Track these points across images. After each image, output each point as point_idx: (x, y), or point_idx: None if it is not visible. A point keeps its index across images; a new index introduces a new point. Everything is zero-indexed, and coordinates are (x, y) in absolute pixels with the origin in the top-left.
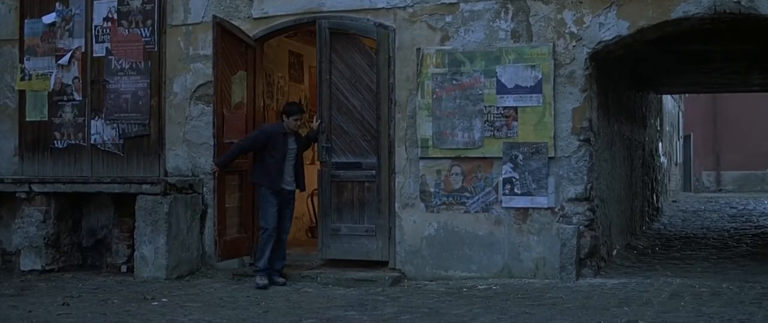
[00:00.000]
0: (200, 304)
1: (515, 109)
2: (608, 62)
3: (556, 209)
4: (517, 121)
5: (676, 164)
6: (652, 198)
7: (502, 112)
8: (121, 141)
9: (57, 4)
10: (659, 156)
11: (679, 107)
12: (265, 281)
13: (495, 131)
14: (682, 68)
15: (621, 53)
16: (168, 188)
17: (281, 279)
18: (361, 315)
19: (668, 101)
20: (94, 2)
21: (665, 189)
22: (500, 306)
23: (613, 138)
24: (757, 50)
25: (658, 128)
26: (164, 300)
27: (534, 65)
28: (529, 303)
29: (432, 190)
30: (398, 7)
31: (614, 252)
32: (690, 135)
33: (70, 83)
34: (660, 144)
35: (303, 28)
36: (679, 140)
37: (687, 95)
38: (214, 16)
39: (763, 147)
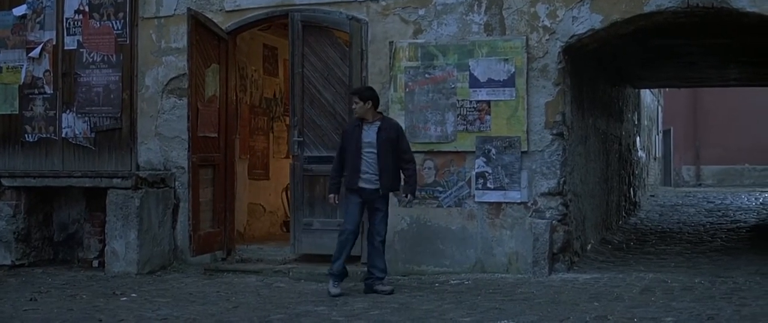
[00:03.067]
0: (169, 299)
1: (488, 103)
2: (582, 56)
3: (528, 204)
4: (489, 115)
5: (655, 159)
6: (629, 193)
7: (475, 106)
8: (93, 135)
9: None
10: (637, 151)
11: (658, 101)
12: (337, 289)
13: (468, 125)
14: (658, 62)
15: (595, 47)
16: (139, 182)
17: (386, 287)
18: (330, 310)
19: (647, 95)
20: None
21: (643, 184)
22: (471, 301)
23: (588, 132)
24: (733, 44)
25: (636, 123)
26: (133, 295)
27: (507, 59)
28: (500, 298)
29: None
30: (371, 0)
31: (589, 247)
32: (670, 130)
33: (41, 75)
34: (638, 139)
35: (276, 21)
36: (658, 134)
37: (667, 89)
38: (189, 9)
39: (743, 142)
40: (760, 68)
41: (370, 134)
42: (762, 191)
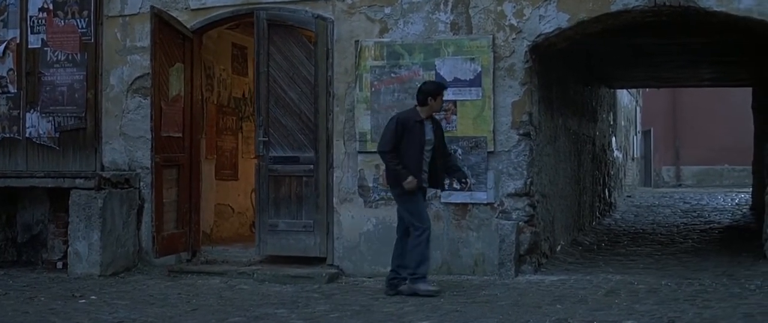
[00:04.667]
0: (128, 301)
1: (454, 102)
2: (552, 56)
3: (495, 205)
4: (456, 115)
5: (632, 159)
6: (604, 193)
7: (442, 105)
8: (57, 134)
9: None
10: (612, 151)
11: (636, 101)
12: (435, 286)
13: None
14: (631, 62)
15: (564, 46)
16: (102, 182)
17: (428, 287)
18: (290, 312)
19: (624, 95)
20: None
21: (620, 184)
22: (432, 304)
23: (557, 132)
24: (704, 44)
25: (612, 123)
26: (93, 297)
27: (473, 58)
28: (463, 300)
29: (370, 185)
30: None
31: (558, 248)
32: (650, 130)
33: (4, 74)
34: (613, 139)
35: (242, 19)
36: (637, 134)
37: (647, 89)
38: (152, 7)
39: (723, 142)
40: (732, 68)
41: (429, 133)
42: (739, 192)
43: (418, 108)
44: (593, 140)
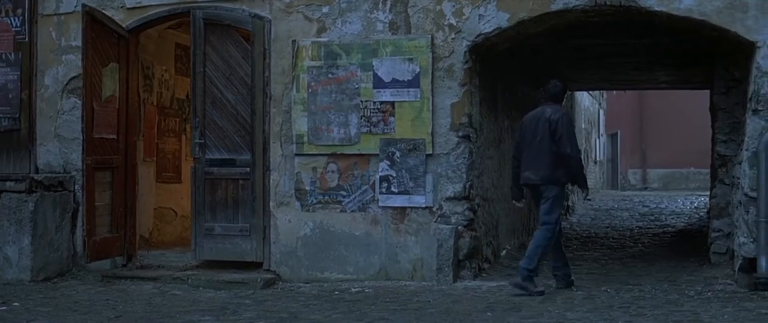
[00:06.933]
0: (51, 308)
1: (392, 104)
2: (496, 56)
3: (434, 209)
4: (394, 116)
5: (595, 162)
6: None
7: (379, 107)
8: None
9: None
10: None
11: (599, 104)
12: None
13: (372, 127)
14: (581, 64)
15: (508, 47)
16: (34, 185)
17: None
18: (216, 320)
19: (584, 97)
20: None
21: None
22: (362, 311)
23: (503, 135)
24: (654, 46)
25: None
26: (16, 304)
27: (412, 58)
28: (393, 307)
29: (307, 188)
30: None
31: (503, 253)
32: (617, 133)
33: None
34: None
35: (179, 18)
36: (600, 137)
37: (614, 92)
38: (84, 5)
39: (688, 145)
40: (686, 71)
41: None
42: (700, 195)
43: (557, 106)
44: None
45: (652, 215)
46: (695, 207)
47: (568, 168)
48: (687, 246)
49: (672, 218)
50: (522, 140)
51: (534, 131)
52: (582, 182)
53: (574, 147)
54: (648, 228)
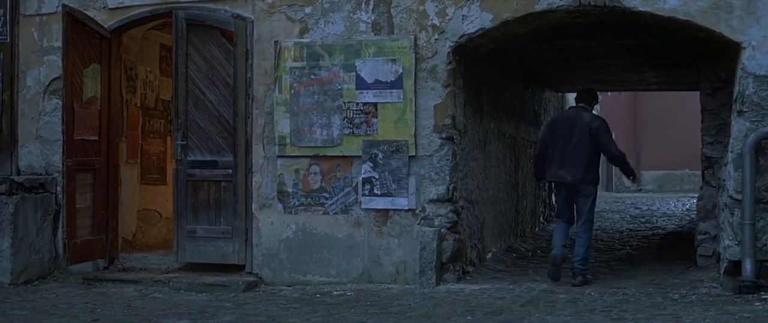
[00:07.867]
0: (28, 312)
1: (375, 105)
2: (481, 57)
3: (417, 211)
4: (377, 118)
5: None
6: (550, 198)
7: (362, 108)
8: None
9: None
10: None
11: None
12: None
13: (354, 129)
14: (569, 65)
15: (493, 47)
16: (14, 187)
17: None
18: None
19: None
20: None
21: None
22: (341, 314)
23: (488, 136)
24: (641, 46)
25: None
26: None
27: (395, 59)
28: (373, 310)
29: (290, 190)
30: None
31: (489, 255)
32: (611, 135)
33: None
34: None
35: (162, 19)
36: None
37: (609, 93)
38: (64, 5)
39: (683, 147)
40: (674, 72)
41: None
42: (693, 197)
43: (593, 112)
44: (534, 144)
45: (643, 217)
46: (687, 209)
47: (620, 165)
48: (675, 248)
49: (663, 221)
50: (551, 138)
51: (570, 132)
52: (631, 173)
53: (617, 147)
54: (638, 230)
